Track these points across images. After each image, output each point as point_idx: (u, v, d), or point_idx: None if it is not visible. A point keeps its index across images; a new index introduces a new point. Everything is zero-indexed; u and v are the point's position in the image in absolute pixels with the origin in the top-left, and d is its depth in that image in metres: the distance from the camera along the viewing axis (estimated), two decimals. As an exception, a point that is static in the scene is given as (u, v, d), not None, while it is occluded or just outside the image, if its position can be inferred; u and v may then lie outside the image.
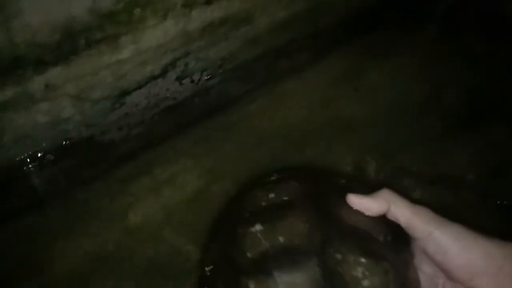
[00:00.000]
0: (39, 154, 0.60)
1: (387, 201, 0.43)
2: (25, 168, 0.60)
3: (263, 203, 0.45)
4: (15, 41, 0.44)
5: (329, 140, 0.78)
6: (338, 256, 0.39)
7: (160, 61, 0.61)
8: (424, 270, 0.44)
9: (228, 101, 0.79)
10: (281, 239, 0.41)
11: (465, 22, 0.94)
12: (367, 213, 0.43)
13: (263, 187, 0.48)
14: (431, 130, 0.80)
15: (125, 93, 0.61)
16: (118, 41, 0.53)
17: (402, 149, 0.77)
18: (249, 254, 0.41)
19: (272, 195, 0.45)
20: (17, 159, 0.59)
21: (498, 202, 0.71)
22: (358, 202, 0.43)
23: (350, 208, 0.44)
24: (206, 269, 0.47)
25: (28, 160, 0.60)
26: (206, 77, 0.71)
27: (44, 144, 0.59)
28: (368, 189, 0.48)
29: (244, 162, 0.74)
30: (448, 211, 0.69)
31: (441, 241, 0.40)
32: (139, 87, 0.62)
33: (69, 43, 0.48)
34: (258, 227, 0.42)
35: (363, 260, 0.39)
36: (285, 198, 0.45)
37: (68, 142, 0.62)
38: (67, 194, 0.67)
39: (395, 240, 0.44)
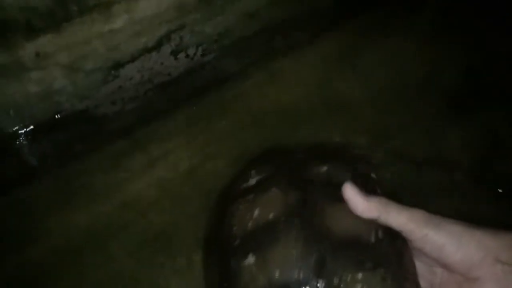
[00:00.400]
0: (32, 126, 0.59)
1: (379, 207, 0.42)
2: (17, 140, 0.59)
3: (249, 225, 0.44)
4: (4, 4, 0.43)
5: (323, 120, 0.77)
6: (336, 279, 0.39)
7: (155, 33, 0.60)
8: (421, 259, 0.45)
9: (223, 77, 0.78)
10: (277, 272, 0.40)
11: (464, 3, 0.93)
12: (354, 211, 0.42)
13: (245, 199, 0.47)
14: (427, 112, 0.80)
15: (118, 65, 0.60)
16: (111, 9, 0.52)
17: (397, 130, 0.76)
18: None
19: (256, 213, 0.44)
20: (9, 130, 0.58)
21: (500, 191, 0.71)
22: (351, 196, 0.42)
23: (337, 211, 0.43)
24: None
25: (20, 131, 0.59)
26: (201, 52, 0.70)
27: (36, 116, 0.59)
28: (353, 173, 0.48)
29: (237, 140, 0.74)
30: (441, 193, 0.71)
31: (436, 241, 0.40)
32: (133, 59, 0.61)
33: (61, 9, 0.47)
34: (251, 258, 0.42)
35: (360, 275, 0.39)
36: (271, 215, 0.43)
37: (61, 114, 0.61)
38: (60, 167, 0.66)
39: (386, 230, 0.43)
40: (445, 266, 0.42)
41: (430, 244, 0.40)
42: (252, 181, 0.49)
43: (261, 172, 0.50)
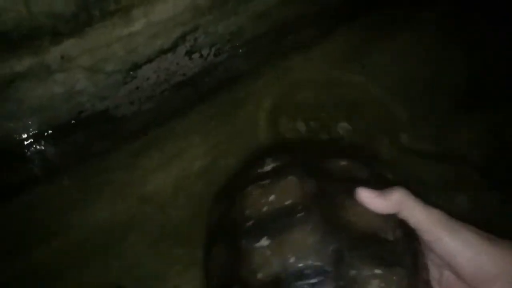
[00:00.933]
0: (55, 125, 0.62)
1: (399, 203, 0.40)
2: (41, 138, 0.62)
3: (264, 208, 0.42)
4: (33, 11, 0.46)
5: (335, 117, 0.79)
6: (353, 272, 0.37)
7: (170, 35, 0.63)
8: (431, 258, 0.43)
9: (235, 77, 0.80)
10: (292, 258, 0.38)
11: (473, 1, 0.94)
12: (375, 211, 0.41)
13: (259, 183, 0.44)
14: (436, 109, 0.81)
15: (136, 66, 0.63)
16: (130, 14, 0.54)
17: (407, 127, 0.78)
18: (259, 275, 0.39)
19: (272, 198, 0.42)
20: (33, 129, 0.61)
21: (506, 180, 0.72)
22: (368, 200, 0.41)
23: (355, 205, 0.41)
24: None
25: (44, 130, 0.62)
26: (214, 53, 0.72)
27: (60, 116, 0.61)
28: (370, 171, 0.47)
29: (250, 138, 0.75)
30: (448, 186, 0.72)
31: (451, 247, 0.38)
32: (150, 61, 0.64)
33: (84, 14, 0.50)
34: (264, 241, 0.40)
35: (377, 271, 0.37)
36: (288, 202, 0.41)
37: (82, 114, 0.63)
38: (81, 165, 0.68)
39: (404, 230, 0.41)
40: (455, 273, 0.40)
41: (443, 249, 0.39)
42: (268, 168, 0.47)
43: (277, 160, 0.47)
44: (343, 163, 0.46)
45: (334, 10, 0.87)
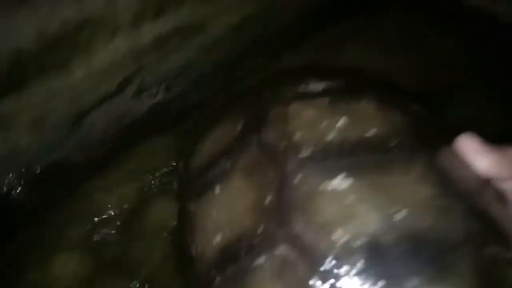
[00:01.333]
0: (4, 184, 0.59)
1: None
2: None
3: (330, 135, 0.29)
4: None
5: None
6: (491, 249, 0.26)
7: (114, 79, 0.61)
8: None
9: (187, 112, 0.79)
10: (399, 214, 0.25)
11: (427, 7, 0.96)
12: (477, 169, 0.29)
13: (310, 102, 0.31)
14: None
15: (82, 114, 0.61)
16: (68, 65, 0.53)
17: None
18: (337, 234, 0.25)
19: (341, 123, 0.29)
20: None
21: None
22: (477, 152, 0.29)
23: (453, 157, 0.30)
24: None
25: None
26: (163, 90, 0.71)
27: (7, 174, 0.59)
28: (442, 120, 0.38)
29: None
30: None
31: None
32: (96, 107, 0.62)
33: (19, 72, 0.48)
34: (342, 181, 0.26)
35: None
36: (370, 132, 0.29)
37: (32, 169, 0.61)
38: (37, 218, 0.66)
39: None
40: None
41: None
42: (315, 87, 0.34)
43: (327, 82, 0.35)
44: (415, 107, 0.35)
45: (285, 34, 0.87)
